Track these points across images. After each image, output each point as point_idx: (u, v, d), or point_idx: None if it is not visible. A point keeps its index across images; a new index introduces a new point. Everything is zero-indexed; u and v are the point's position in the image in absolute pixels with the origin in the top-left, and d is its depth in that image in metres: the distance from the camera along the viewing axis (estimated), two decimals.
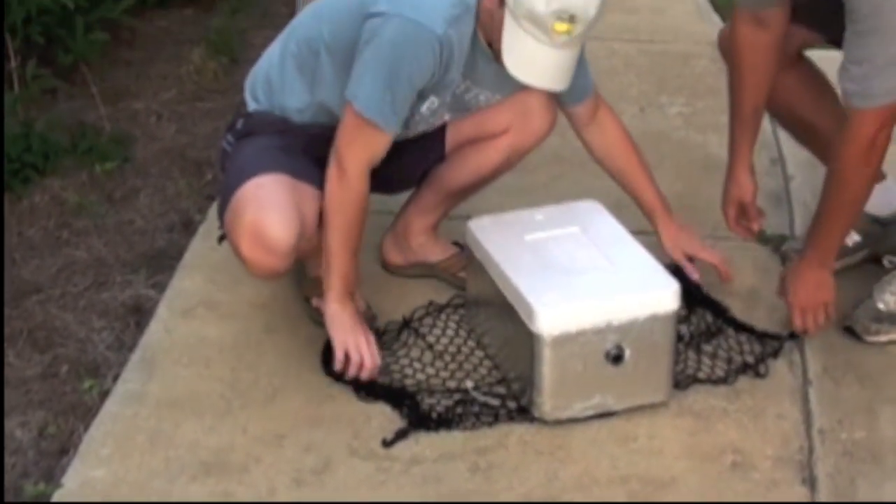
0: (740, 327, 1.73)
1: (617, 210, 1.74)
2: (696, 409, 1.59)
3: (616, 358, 1.52)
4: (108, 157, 2.24)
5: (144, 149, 2.31)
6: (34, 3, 2.15)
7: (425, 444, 1.52)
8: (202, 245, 1.93)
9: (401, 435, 1.52)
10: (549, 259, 1.59)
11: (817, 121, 1.73)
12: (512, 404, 1.58)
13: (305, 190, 1.58)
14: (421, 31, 1.48)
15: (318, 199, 1.58)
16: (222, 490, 1.45)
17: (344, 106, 1.54)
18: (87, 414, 1.60)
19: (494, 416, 1.56)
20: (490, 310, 1.66)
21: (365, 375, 1.58)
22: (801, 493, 1.46)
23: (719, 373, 1.65)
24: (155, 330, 1.75)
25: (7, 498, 1.47)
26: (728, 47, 1.77)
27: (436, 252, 1.85)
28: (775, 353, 1.69)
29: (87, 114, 2.39)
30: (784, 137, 2.13)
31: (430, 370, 1.65)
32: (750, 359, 1.67)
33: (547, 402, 1.53)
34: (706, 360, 1.67)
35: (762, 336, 1.71)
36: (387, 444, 1.51)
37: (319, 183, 1.58)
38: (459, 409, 1.57)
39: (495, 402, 1.59)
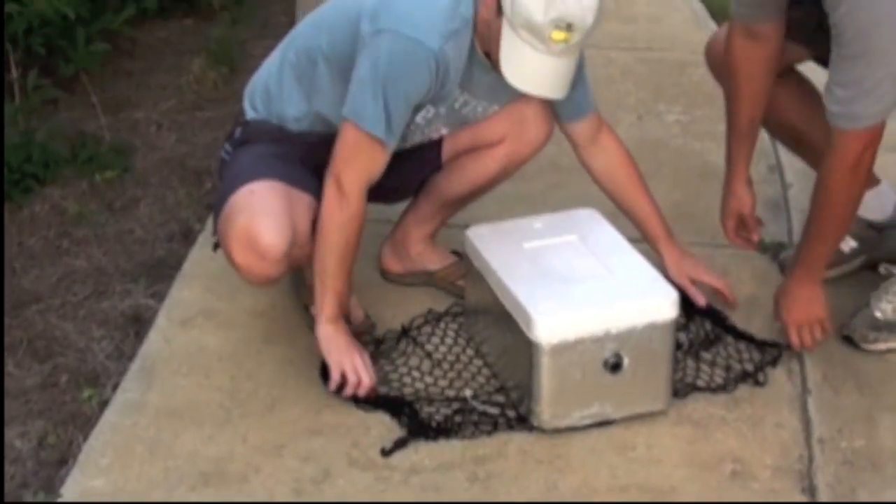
0: (739, 335, 1.73)
1: (615, 218, 1.75)
2: (695, 417, 1.59)
3: (614, 366, 1.52)
4: (109, 166, 2.24)
5: (144, 158, 2.32)
6: (36, 14, 2.16)
7: (424, 453, 1.52)
8: (201, 254, 1.93)
9: (400, 444, 1.52)
10: (547, 267, 1.60)
11: (810, 132, 1.74)
12: (511, 413, 1.58)
13: (299, 197, 1.58)
14: (417, 48, 1.49)
15: (312, 207, 1.58)
16: (222, 500, 1.45)
17: (341, 123, 1.54)
18: (87, 424, 1.60)
19: (493, 425, 1.56)
20: (488, 318, 1.66)
21: (362, 393, 1.57)
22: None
23: (718, 381, 1.65)
24: (154, 339, 1.75)
25: None
26: (715, 61, 1.78)
27: (434, 260, 1.85)
28: (774, 362, 1.69)
29: (87, 123, 2.40)
30: (782, 145, 2.13)
31: (429, 379, 1.65)
32: (749, 367, 1.67)
33: (545, 411, 1.53)
34: (705, 369, 1.67)
35: (761, 344, 1.71)
36: (386, 453, 1.51)
37: (314, 191, 1.59)
38: (458, 418, 1.57)
39: (494, 410, 1.59)
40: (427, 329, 1.75)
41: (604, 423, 1.55)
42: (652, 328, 1.53)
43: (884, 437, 1.56)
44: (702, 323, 1.74)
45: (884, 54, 1.46)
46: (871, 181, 1.65)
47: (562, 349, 1.50)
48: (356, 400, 1.58)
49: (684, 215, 1.96)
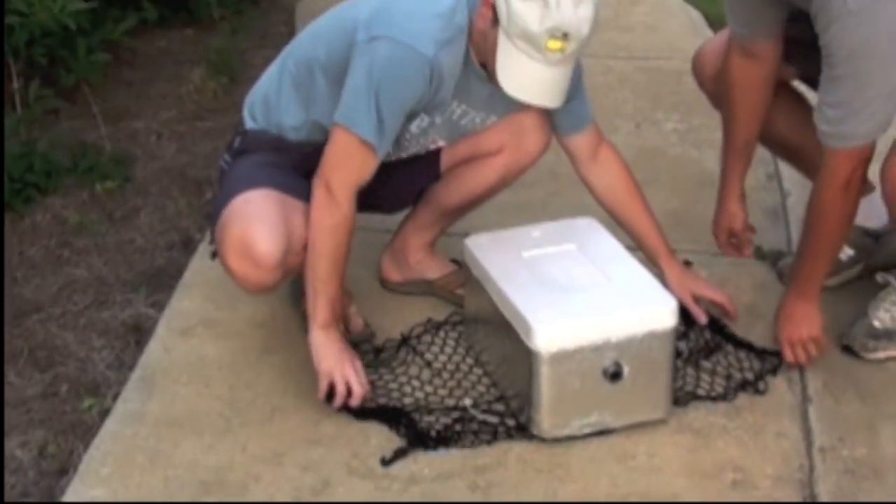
0: (739, 344, 1.74)
1: (613, 227, 1.75)
2: (696, 426, 1.59)
3: (614, 375, 1.52)
4: (109, 176, 2.25)
5: (145, 168, 2.32)
6: (37, 25, 2.17)
7: (424, 462, 1.52)
8: (201, 264, 1.93)
9: (400, 454, 1.52)
10: (546, 276, 1.60)
11: (804, 146, 1.75)
12: (511, 422, 1.58)
13: (295, 206, 1.58)
14: (411, 55, 1.49)
15: (307, 215, 1.58)
16: None
17: (332, 128, 1.54)
18: (87, 433, 1.60)
19: (493, 434, 1.56)
20: (488, 327, 1.66)
21: (354, 403, 1.56)
22: None
23: (719, 389, 1.65)
24: (154, 349, 1.75)
25: None
26: (702, 73, 1.80)
27: (433, 269, 1.85)
28: (774, 370, 1.68)
29: (88, 133, 2.41)
30: None
31: (429, 388, 1.65)
32: (749, 375, 1.67)
33: (545, 420, 1.53)
34: (705, 377, 1.67)
35: (761, 352, 1.72)
36: (385, 462, 1.51)
37: (310, 199, 1.58)
38: (458, 427, 1.56)
39: (494, 419, 1.58)
40: (427, 338, 1.75)
41: (604, 432, 1.55)
42: (651, 337, 1.53)
43: (885, 445, 1.56)
44: (701, 331, 1.74)
45: (873, 75, 1.47)
46: (867, 188, 1.65)
47: (561, 358, 1.50)
48: (348, 410, 1.58)
49: (682, 223, 1.96)
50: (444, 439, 1.54)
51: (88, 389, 1.70)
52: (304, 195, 1.59)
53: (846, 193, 1.56)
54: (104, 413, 1.63)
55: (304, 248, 1.57)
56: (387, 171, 1.59)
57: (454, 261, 1.85)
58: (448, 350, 1.73)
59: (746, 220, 1.83)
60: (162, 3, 2.81)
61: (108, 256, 2.04)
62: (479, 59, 1.56)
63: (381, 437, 1.56)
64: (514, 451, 1.54)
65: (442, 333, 1.76)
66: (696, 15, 3.05)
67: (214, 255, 1.66)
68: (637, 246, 1.76)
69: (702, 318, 1.72)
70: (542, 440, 1.54)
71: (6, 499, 1.50)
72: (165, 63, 2.78)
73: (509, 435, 1.56)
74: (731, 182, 1.80)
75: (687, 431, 1.58)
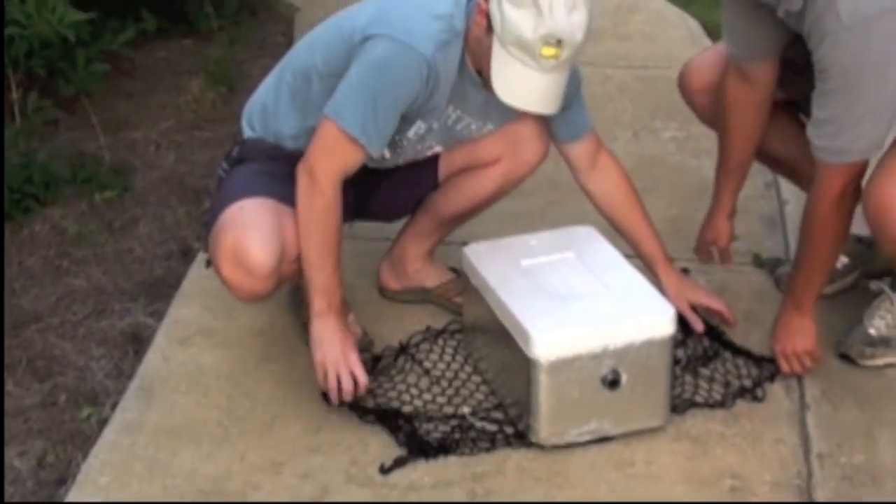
0: (737, 351, 1.74)
1: (612, 235, 1.75)
2: (694, 433, 1.59)
3: (612, 383, 1.52)
4: (108, 186, 2.26)
5: (143, 178, 2.33)
6: (37, 36, 2.17)
7: (423, 470, 1.52)
8: (200, 273, 1.93)
9: (399, 463, 1.52)
10: (544, 284, 1.60)
11: (797, 163, 1.76)
12: (509, 430, 1.58)
13: (289, 214, 1.58)
14: (408, 52, 1.49)
15: None
16: None
17: (321, 119, 1.53)
18: (86, 442, 1.60)
19: (492, 442, 1.56)
20: (486, 335, 1.66)
21: (346, 398, 1.55)
22: None
23: (717, 397, 1.65)
24: (153, 358, 1.75)
25: None
26: (687, 88, 1.81)
27: (432, 277, 1.86)
28: (772, 377, 1.69)
29: (87, 144, 2.41)
30: None
31: (427, 396, 1.65)
32: (747, 382, 1.68)
33: (544, 428, 1.53)
34: (703, 384, 1.68)
35: (759, 360, 1.72)
36: (384, 471, 1.51)
37: None
38: (457, 435, 1.57)
39: (492, 427, 1.59)
40: (425, 346, 1.76)
41: (602, 440, 1.55)
42: (650, 344, 1.53)
43: (883, 452, 1.56)
44: (699, 339, 1.75)
45: (864, 91, 1.48)
46: (860, 198, 1.66)
47: (560, 366, 1.50)
48: (350, 408, 1.56)
49: (681, 231, 1.97)
50: (442, 447, 1.54)
51: (87, 399, 1.70)
52: None
53: (839, 207, 1.57)
54: (103, 422, 1.63)
55: (299, 256, 1.57)
56: (385, 179, 1.60)
57: (453, 269, 1.85)
58: (447, 358, 1.73)
59: (732, 235, 1.85)
60: (161, 14, 2.82)
61: (107, 266, 2.05)
62: (475, 65, 1.57)
63: (380, 446, 1.56)
64: (513, 458, 1.54)
65: (441, 341, 1.77)
66: (694, 24, 3.06)
67: (209, 263, 1.66)
68: (635, 253, 1.76)
69: (698, 327, 1.73)
70: (541, 448, 1.54)
71: None
72: (164, 73, 2.78)
73: (508, 443, 1.56)
74: (723, 198, 1.82)
75: (685, 439, 1.58)
